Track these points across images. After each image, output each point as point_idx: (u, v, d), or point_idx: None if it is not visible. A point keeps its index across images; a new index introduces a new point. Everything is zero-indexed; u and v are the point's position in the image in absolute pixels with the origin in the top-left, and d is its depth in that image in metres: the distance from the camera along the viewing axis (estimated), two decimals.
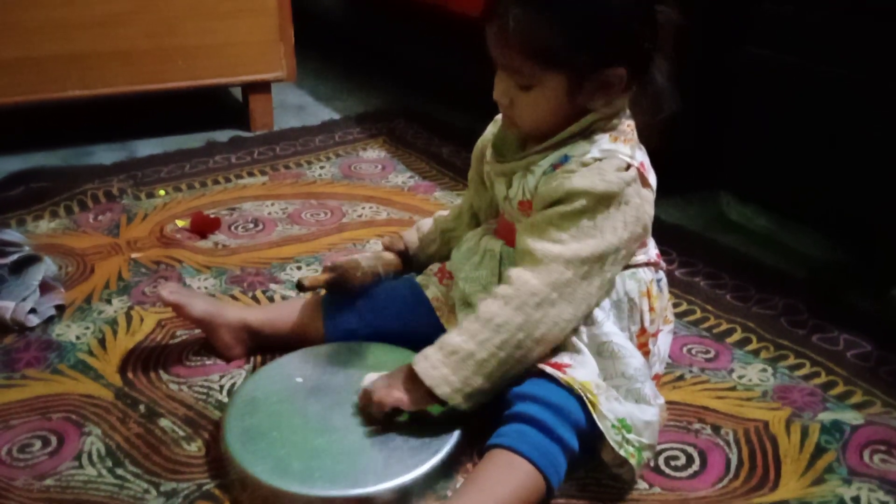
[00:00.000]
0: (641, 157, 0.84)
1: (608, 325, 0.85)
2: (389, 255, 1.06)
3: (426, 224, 1.09)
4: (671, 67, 0.83)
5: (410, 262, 1.07)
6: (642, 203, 0.82)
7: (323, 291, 1.02)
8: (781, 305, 1.15)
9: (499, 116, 0.96)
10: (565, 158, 0.82)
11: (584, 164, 0.81)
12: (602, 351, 0.84)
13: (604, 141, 0.83)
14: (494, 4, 0.79)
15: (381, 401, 0.82)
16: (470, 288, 0.93)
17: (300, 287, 0.97)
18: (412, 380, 0.81)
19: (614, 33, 0.78)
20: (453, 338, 0.81)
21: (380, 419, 0.83)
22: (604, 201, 0.79)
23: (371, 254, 1.06)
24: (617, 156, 0.81)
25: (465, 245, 0.97)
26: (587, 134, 0.83)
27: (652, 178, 0.85)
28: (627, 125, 0.85)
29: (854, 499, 0.81)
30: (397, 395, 0.81)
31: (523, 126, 0.85)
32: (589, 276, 0.80)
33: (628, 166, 0.81)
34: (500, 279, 0.89)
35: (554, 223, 0.80)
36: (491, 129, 0.97)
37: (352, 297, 1.00)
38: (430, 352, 0.81)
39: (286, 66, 1.83)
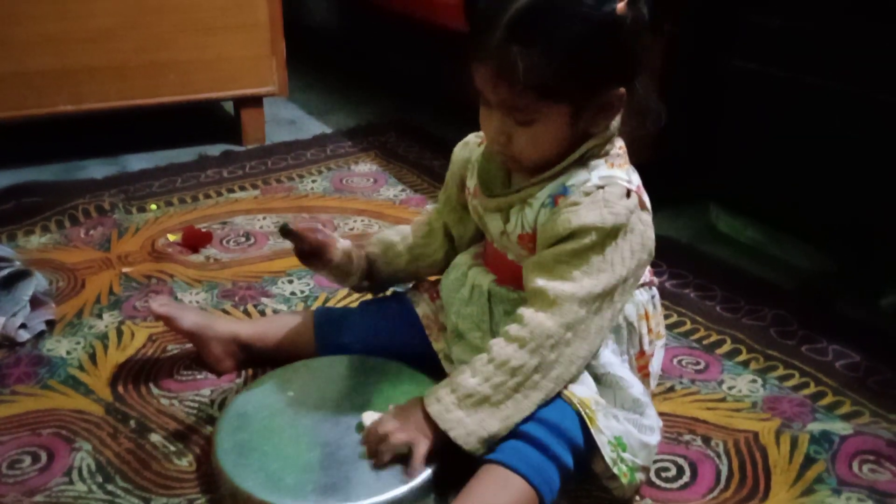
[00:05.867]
0: (637, 179, 0.83)
1: (606, 354, 0.84)
2: (361, 252, 1.01)
3: (391, 236, 1.02)
4: (652, 78, 0.82)
5: (371, 273, 1.01)
6: (645, 229, 0.82)
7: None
8: (771, 316, 1.15)
9: (471, 139, 0.94)
10: (564, 189, 0.81)
11: (587, 194, 0.79)
12: (601, 381, 0.84)
13: (601, 167, 0.81)
14: (487, 44, 0.75)
15: (387, 435, 0.79)
16: (463, 324, 0.91)
17: (284, 230, 0.92)
18: (427, 420, 0.79)
19: (616, 55, 0.76)
20: (467, 380, 0.78)
21: (386, 457, 0.80)
22: (612, 234, 0.78)
23: (351, 243, 1.00)
24: (617, 182, 0.80)
25: (453, 274, 0.95)
26: (583, 161, 0.82)
27: (647, 200, 0.84)
28: (620, 147, 0.84)
29: None
30: (404, 437, 0.79)
31: (526, 161, 0.82)
32: (601, 310, 0.79)
33: (628, 192, 0.80)
34: (492, 316, 0.89)
35: (563, 261, 0.78)
36: (464, 154, 0.94)
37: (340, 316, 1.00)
38: (443, 394, 0.79)
39: (278, 81, 1.84)
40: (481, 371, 0.79)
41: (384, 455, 0.80)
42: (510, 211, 0.84)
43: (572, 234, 0.78)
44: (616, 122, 0.83)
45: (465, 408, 0.78)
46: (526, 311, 0.79)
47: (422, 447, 0.79)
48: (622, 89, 0.78)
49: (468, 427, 0.77)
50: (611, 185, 0.80)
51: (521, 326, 0.78)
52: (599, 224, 0.78)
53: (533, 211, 0.82)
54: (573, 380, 0.81)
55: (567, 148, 0.81)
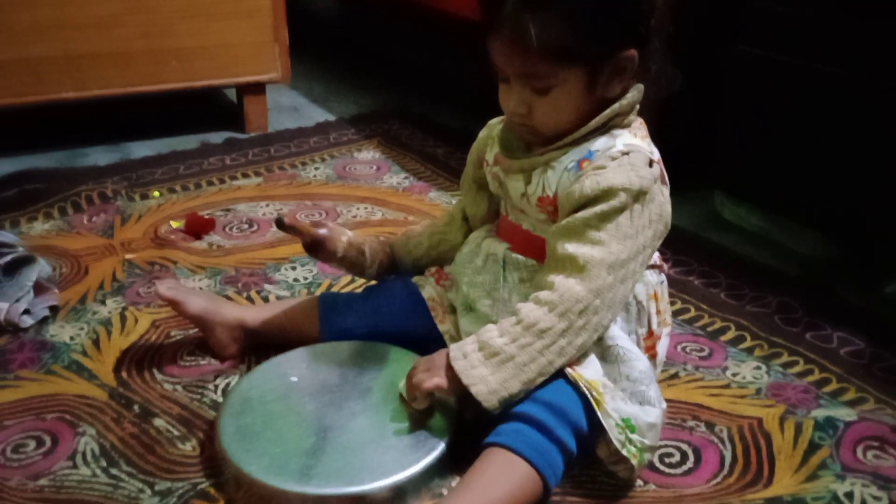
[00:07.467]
0: (657, 154, 0.84)
1: (613, 328, 0.84)
2: (376, 241, 1.03)
3: (414, 227, 1.07)
4: (663, 44, 0.82)
5: (395, 263, 1.05)
6: (664, 201, 0.82)
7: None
8: (775, 303, 1.15)
9: (493, 121, 0.96)
10: (589, 154, 0.82)
11: (613, 158, 0.80)
12: (607, 355, 0.84)
13: (624, 136, 0.82)
14: (501, 15, 0.77)
15: (420, 383, 0.80)
16: (474, 293, 0.92)
17: (279, 223, 0.93)
18: (451, 370, 0.80)
19: (625, 16, 0.78)
20: (495, 339, 0.79)
21: (415, 401, 0.83)
22: (639, 198, 0.79)
23: (363, 237, 1.02)
24: (641, 150, 0.81)
25: (467, 248, 0.96)
26: (605, 130, 0.83)
27: (666, 175, 0.84)
28: (641, 123, 0.85)
29: (847, 494, 0.81)
30: (437, 381, 0.80)
31: (546, 131, 0.83)
32: (626, 279, 0.80)
33: (651, 162, 0.81)
34: (504, 283, 0.89)
35: (592, 224, 0.79)
36: (485, 133, 0.96)
37: (348, 301, 1.00)
38: (469, 350, 0.80)
39: (280, 68, 1.83)
40: (509, 331, 0.79)
41: (419, 403, 0.83)
42: (532, 173, 0.85)
43: (601, 196, 0.79)
44: (638, 93, 0.83)
45: (489, 366, 0.78)
46: (556, 278, 0.79)
47: (448, 392, 0.81)
48: (633, 51, 0.79)
49: (490, 385, 0.78)
50: (635, 151, 0.81)
51: (551, 292, 0.79)
52: (628, 185, 0.78)
53: (556, 174, 0.83)
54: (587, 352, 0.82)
55: (586, 115, 0.82)
